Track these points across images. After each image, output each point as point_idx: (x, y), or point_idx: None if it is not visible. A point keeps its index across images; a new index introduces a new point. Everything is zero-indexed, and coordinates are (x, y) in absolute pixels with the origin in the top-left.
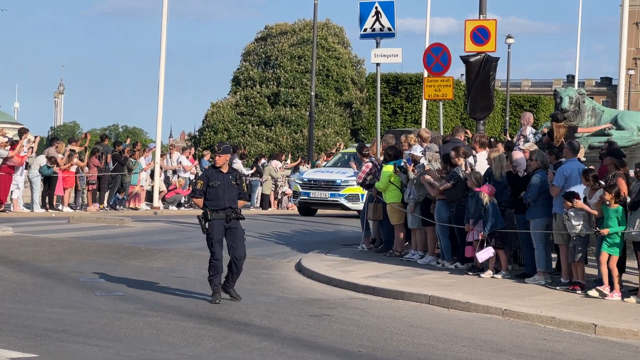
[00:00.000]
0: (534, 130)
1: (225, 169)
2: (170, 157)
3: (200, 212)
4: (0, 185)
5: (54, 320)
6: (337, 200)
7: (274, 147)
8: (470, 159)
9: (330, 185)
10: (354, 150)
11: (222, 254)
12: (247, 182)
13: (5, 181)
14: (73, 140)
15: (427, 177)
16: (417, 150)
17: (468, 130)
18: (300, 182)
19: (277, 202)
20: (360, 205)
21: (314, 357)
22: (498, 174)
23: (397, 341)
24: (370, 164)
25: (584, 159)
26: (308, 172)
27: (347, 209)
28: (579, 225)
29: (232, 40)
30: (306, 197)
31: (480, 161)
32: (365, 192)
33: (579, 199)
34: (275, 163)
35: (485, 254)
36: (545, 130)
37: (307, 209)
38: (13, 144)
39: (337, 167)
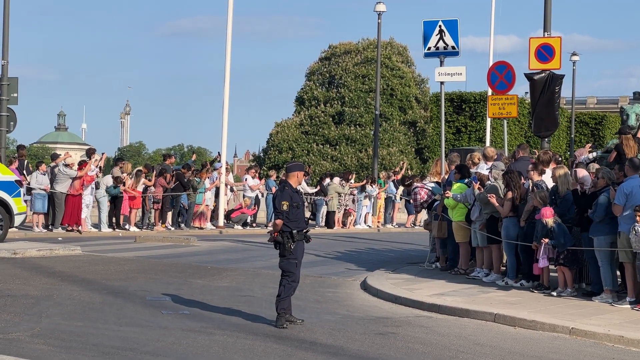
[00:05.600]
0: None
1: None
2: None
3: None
4: (68, 207)
5: (122, 339)
6: None
7: (338, 166)
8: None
9: None
10: None
11: None
12: (312, 200)
13: (75, 203)
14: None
15: (492, 200)
16: (483, 169)
17: (536, 151)
18: None
19: (342, 220)
20: None
21: None
22: (564, 190)
23: (462, 359)
24: (423, 191)
25: None
26: None
27: None
28: None
29: (296, 60)
30: None
31: (544, 178)
32: None
33: None
34: (336, 180)
35: (542, 262)
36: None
37: None
38: (81, 164)
39: None
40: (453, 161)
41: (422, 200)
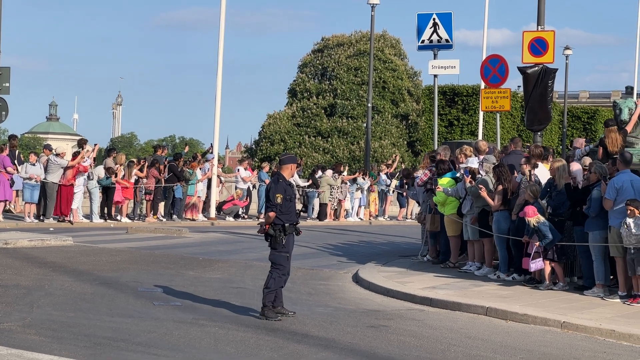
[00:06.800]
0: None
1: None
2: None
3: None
4: (62, 197)
5: (113, 329)
6: None
7: (330, 158)
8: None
9: None
10: None
11: None
12: (304, 192)
13: (67, 193)
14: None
15: (483, 193)
16: (474, 163)
17: (530, 145)
18: None
19: (334, 212)
20: None
21: None
22: (562, 184)
23: (454, 352)
24: (425, 175)
25: None
26: None
27: None
28: (639, 234)
29: (288, 52)
30: None
31: (536, 172)
32: None
33: None
34: (329, 172)
35: (534, 265)
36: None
37: None
38: (75, 155)
39: None
40: (441, 154)
41: (421, 182)
